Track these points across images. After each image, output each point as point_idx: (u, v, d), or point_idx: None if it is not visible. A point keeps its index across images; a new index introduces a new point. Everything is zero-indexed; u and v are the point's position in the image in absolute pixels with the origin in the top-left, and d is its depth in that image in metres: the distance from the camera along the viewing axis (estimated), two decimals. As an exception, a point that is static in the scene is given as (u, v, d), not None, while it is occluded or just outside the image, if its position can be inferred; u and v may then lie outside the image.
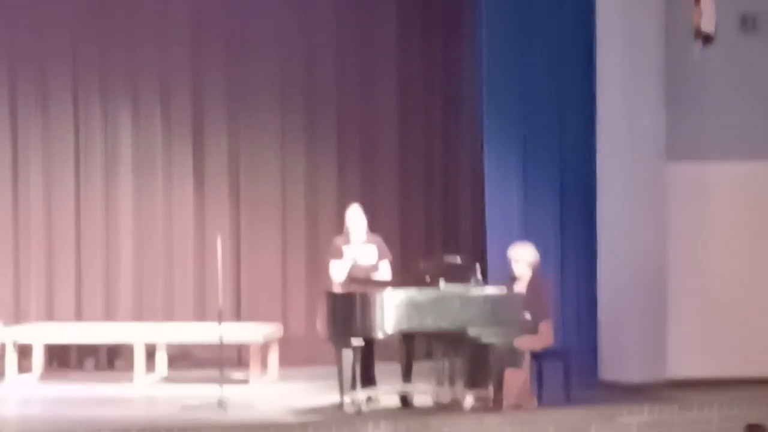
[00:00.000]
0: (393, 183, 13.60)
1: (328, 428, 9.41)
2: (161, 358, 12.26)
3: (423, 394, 10.36)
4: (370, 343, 10.10)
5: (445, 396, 10.23)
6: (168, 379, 12.10)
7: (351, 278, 10.47)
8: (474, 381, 10.08)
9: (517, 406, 9.97)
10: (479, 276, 10.14)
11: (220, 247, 10.93)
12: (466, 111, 13.53)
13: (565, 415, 9.89)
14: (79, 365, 12.93)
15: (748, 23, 11.67)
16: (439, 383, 10.31)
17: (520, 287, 10.34)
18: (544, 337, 10.27)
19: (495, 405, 9.86)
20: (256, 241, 13.36)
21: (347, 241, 10.63)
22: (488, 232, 12.00)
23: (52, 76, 13.16)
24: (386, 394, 10.34)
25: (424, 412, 10.05)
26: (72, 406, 10.59)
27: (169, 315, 13.11)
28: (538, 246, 10.61)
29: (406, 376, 10.36)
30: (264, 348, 12.05)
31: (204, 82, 13.38)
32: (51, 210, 13.17)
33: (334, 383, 10.08)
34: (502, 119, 11.97)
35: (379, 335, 9.77)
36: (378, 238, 10.75)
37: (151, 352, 12.07)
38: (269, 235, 13.38)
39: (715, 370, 11.39)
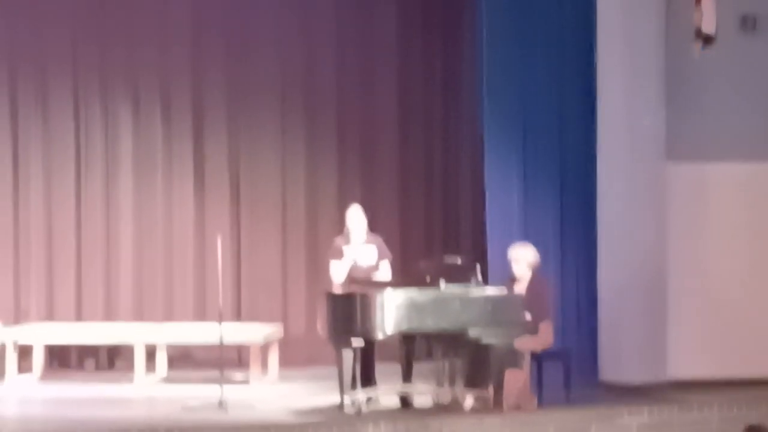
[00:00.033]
0: (393, 183, 13.60)
1: (328, 429, 9.42)
2: (161, 359, 12.26)
3: (423, 395, 10.36)
4: (370, 343, 10.09)
5: (445, 396, 10.23)
6: (168, 380, 12.10)
7: (351, 279, 10.47)
8: (474, 381, 10.09)
9: (517, 407, 9.97)
10: (479, 276, 10.14)
11: (220, 247, 10.93)
12: (467, 111, 13.52)
13: (565, 416, 9.89)
14: (80, 365, 12.93)
15: (748, 24, 11.67)
16: (439, 384, 10.31)
17: (520, 288, 10.34)
18: (544, 337, 10.28)
19: (495, 405, 9.86)
20: (256, 241, 13.36)
21: (347, 242, 10.63)
22: (488, 233, 12.00)
23: (52, 76, 13.16)
24: (386, 394, 10.35)
25: (424, 412, 10.05)
26: (72, 407, 10.59)
27: (169, 315, 13.11)
28: (538, 246, 10.61)
29: (406, 376, 10.36)
30: (264, 348, 12.05)
31: (204, 82, 13.37)
32: (51, 210, 13.16)
33: (335, 384, 10.08)
34: (502, 119, 11.97)
35: (379, 336, 9.77)
36: (378, 239, 10.75)
37: (151, 353, 12.07)
38: (269, 235, 13.38)
39: (715, 370, 11.39)
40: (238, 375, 11.84)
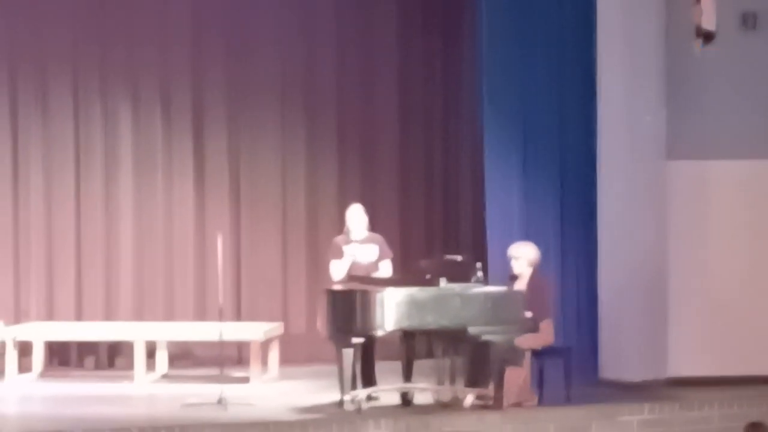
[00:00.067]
0: (393, 182, 13.61)
1: (329, 427, 9.41)
2: (161, 357, 12.27)
3: (423, 393, 10.35)
4: (370, 341, 10.09)
5: (446, 394, 10.22)
6: (168, 378, 12.10)
7: (351, 276, 10.47)
8: (474, 379, 10.08)
9: (518, 405, 9.97)
10: (480, 274, 10.13)
11: (220, 245, 10.94)
12: (467, 111, 13.54)
13: (565, 414, 9.90)
14: (80, 364, 12.93)
15: (748, 22, 11.67)
16: (440, 382, 10.30)
17: (521, 286, 10.33)
18: (545, 335, 10.27)
19: (495, 403, 9.84)
20: (256, 240, 13.37)
21: (348, 241, 10.63)
22: (488, 232, 12.00)
23: (52, 75, 13.17)
24: (387, 392, 10.33)
25: (425, 410, 10.04)
26: (72, 405, 10.59)
27: (169, 313, 13.12)
28: (539, 244, 10.60)
29: (407, 374, 10.35)
30: (264, 346, 12.05)
31: (204, 81, 13.38)
32: (51, 209, 13.17)
33: (335, 381, 10.07)
34: (502, 119, 11.97)
35: (380, 333, 9.76)
36: (379, 237, 10.75)
37: (151, 351, 12.09)
38: (269, 234, 13.39)
39: (716, 368, 11.38)
40: (238, 373, 11.83)
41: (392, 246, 10.96)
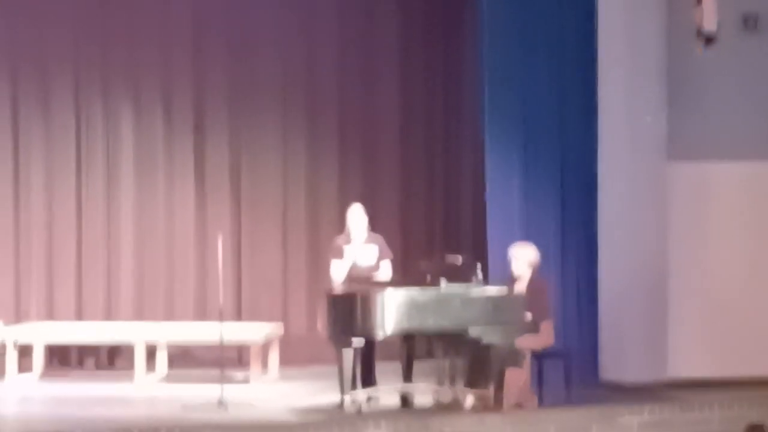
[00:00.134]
0: (394, 183, 13.61)
1: (329, 428, 9.40)
2: (162, 358, 12.25)
3: (424, 394, 10.35)
4: (370, 342, 10.08)
5: (446, 396, 10.21)
6: (168, 379, 12.09)
7: (351, 278, 10.46)
8: (475, 381, 10.07)
9: (518, 406, 9.97)
10: (480, 276, 10.13)
11: (221, 246, 10.93)
12: (468, 111, 13.52)
13: (565, 415, 9.88)
14: (80, 365, 12.94)
15: (749, 23, 11.67)
16: (440, 383, 10.29)
17: (521, 287, 10.33)
18: (545, 336, 10.27)
19: (496, 405, 9.85)
20: (257, 241, 13.37)
21: (348, 241, 10.63)
22: (489, 232, 11.97)
23: (53, 76, 13.17)
24: (387, 393, 10.34)
25: (425, 411, 10.04)
26: (72, 406, 10.58)
27: (169, 314, 13.11)
28: (539, 246, 10.61)
29: (407, 375, 10.36)
30: (265, 348, 12.05)
31: (205, 82, 13.38)
32: (52, 210, 13.17)
33: (335, 383, 10.07)
34: (503, 119, 11.95)
35: (380, 335, 9.76)
36: (380, 238, 10.75)
37: (151, 352, 12.06)
38: (270, 235, 13.39)
39: (716, 370, 11.38)
40: (238, 374, 11.84)
41: (392, 246, 10.96)
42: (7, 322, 12.31)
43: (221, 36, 13.38)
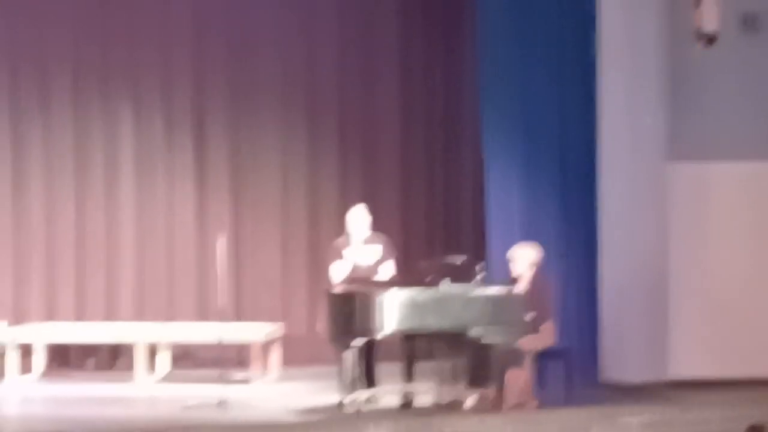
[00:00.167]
0: (394, 183, 13.60)
1: (329, 428, 9.43)
2: (162, 358, 12.27)
3: (424, 394, 10.35)
4: (371, 343, 10.09)
5: (447, 396, 10.21)
6: (169, 379, 12.10)
7: (352, 278, 10.45)
8: (475, 381, 10.08)
9: (519, 407, 9.97)
10: (480, 276, 10.13)
11: (221, 246, 10.93)
12: (468, 110, 13.51)
13: (566, 416, 9.90)
14: (81, 365, 12.92)
15: (749, 23, 11.67)
16: (441, 383, 10.29)
17: (522, 287, 10.33)
18: (546, 337, 10.27)
19: (496, 405, 9.86)
20: (257, 241, 13.36)
21: (348, 243, 10.62)
22: (489, 232, 11.97)
23: (53, 76, 13.17)
24: (387, 394, 10.34)
25: (426, 412, 10.04)
26: (73, 406, 10.60)
27: (170, 315, 13.11)
28: (540, 246, 10.60)
29: (408, 376, 10.35)
30: (265, 348, 12.05)
31: (205, 81, 13.38)
32: (52, 210, 13.17)
33: (335, 383, 10.09)
34: (503, 119, 11.95)
35: (380, 335, 9.77)
36: (383, 237, 10.75)
37: (152, 352, 12.07)
38: (270, 235, 13.38)
39: (717, 370, 11.39)
40: (238, 374, 11.83)
41: (393, 246, 10.95)
42: (8, 323, 12.31)
43: (221, 36, 13.38)
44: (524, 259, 10.42)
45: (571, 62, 11.93)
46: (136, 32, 13.22)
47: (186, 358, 12.83)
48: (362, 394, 9.97)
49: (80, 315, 13.07)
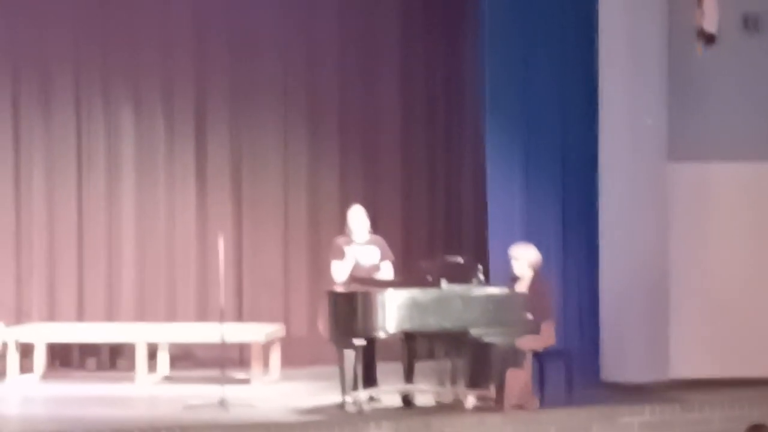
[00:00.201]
0: (395, 183, 13.60)
1: (330, 428, 9.42)
2: (163, 358, 12.26)
3: (425, 394, 10.35)
4: (371, 343, 10.09)
5: (447, 396, 10.22)
6: (170, 379, 12.10)
7: (353, 278, 10.46)
8: (476, 381, 10.08)
9: (519, 407, 9.97)
10: (481, 276, 10.13)
11: (222, 247, 10.94)
12: (469, 111, 13.53)
13: (566, 416, 9.90)
14: (81, 365, 12.91)
15: (750, 23, 11.68)
16: (441, 383, 10.30)
17: (522, 287, 10.33)
18: (546, 337, 10.27)
19: (496, 405, 9.86)
20: (258, 241, 13.36)
21: (349, 242, 10.63)
22: (490, 233, 11.99)
23: (54, 76, 13.16)
24: (388, 393, 10.34)
25: (426, 412, 10.05)
26: (74, 406, 10.59)
27: (171, 315, 13.11)
28: (540, 246, 10.61)
29: (408, 376, 10.35)
30: (266, 348, 12.05)
31: (206, 82, 13.37)
32: (53, 210, 13.16)
33: (336, 383, 10.08)
34: (504, 119, 11.96)
35: (381, 335, 9.78)
36: (380, 239, 10.75)
37: (152, 352, 12.08)
38: (271, 235, 13.38)
39: (718, 370, 11.38)
40: (239, 374, 11.82)
41: (394, 247, 10.97)
42: (9, 323, 12.31)
43: (222, 36, 13.38)
44: (525, 259, 10.42)
45: (572, 62, 11.95)
46: (136, 32, 13.21)
47: (186, 358, 12.83)
48: (363, 394, 9.97)
49: (81, 315, 13.07)
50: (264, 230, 13.38)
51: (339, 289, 10.35)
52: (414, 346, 10.39)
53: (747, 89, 11.66)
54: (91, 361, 12.91)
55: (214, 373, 11.28)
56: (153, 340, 12.04)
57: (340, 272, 10.51)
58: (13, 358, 11.86)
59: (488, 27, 11.97)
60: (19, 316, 12.87)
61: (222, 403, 10.14)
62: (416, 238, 13.37)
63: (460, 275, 10.12)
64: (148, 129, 13.30)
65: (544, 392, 10.37)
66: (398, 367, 10.40)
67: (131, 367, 11.87)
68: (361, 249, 10.59)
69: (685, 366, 11.40)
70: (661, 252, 11.50)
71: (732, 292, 11.64)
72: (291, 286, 13.34)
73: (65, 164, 13.18)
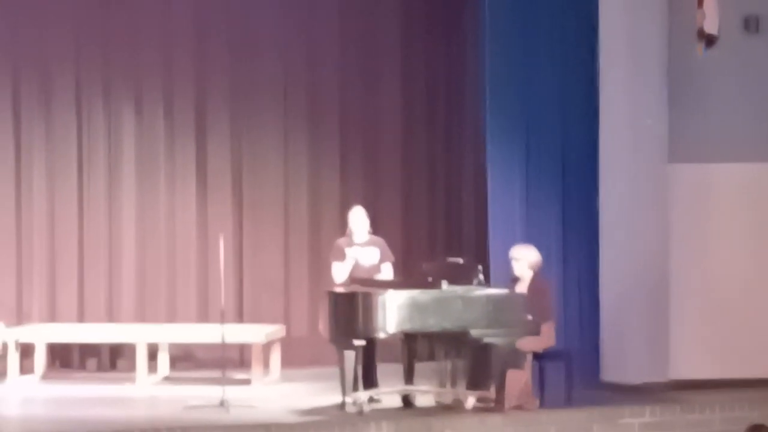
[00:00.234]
0: (396, 184, 13.60)
1: (330, 429, 9.43)
2: (163, 359, 12.26)
3: (425, 395, 10.36)
4: (372, 343, 10.09)
5: (447, 397, 10.23)
6: (170, 380, 12.10)
7: (353, 279, 10.47)
8: (476, 382, 10.09)
9: (519, 407, 9.98)
10: (481, 277, 10.13)
11: (222, 247, 10.94)
12: (469, 111, 13.53)
13: (566, 416, 9.90)
14: (82, 365, 12.92)
15: (750, 25, 11.68)
16: (441, 384, 10.31)
17: (522, 288, 10.33)
18: (546, 338, 10.27)
19: (497, 406, 9.86)
20: (258, 242, 13.36)
21: (350, 243, 10.63)
22: (490, 234, 11.98)
23: (55, 77, 13.15)
24: (388, 394, 10.34)
25: (426, 412, 10.05)
26: (74, 407, 10.59)
27: (171, 315, 13.11)
28: (541, 247, 10.62)
29: (408, 376, 10.36)
30: (266, 348, 12.05)
31: (207, 82, 13.36)
32: (54, 211, 13.16)
33: (336, 384, 10.08)
34: (504, 120, 11.95)
35: (381, 336, 9.78)
36: (381, 241, 10.75)
37: (153, 353, 12.08)
38: (272, 236, 13.38)
39: (718, 371, 11.39)
40: (240, 375, 11.82)
41: (394, 248, 10.97)
42: (9, 324, 12.31)
43: (222, 36, 13.37)
44: (525, 260, 10.42)
45: (572, 63, 11.94)
46: (137, 33, 13.21)
47: (187, 359, 12.84)
48: (363, 395, 9.97)
49: (81, 316, 13.07)
50: (264, 230, 13.38)
51: (339, 289, 10.35)
52: (414, 347, 10.40)
53: (747, 90, 11.66)
54: (92, 362, 12.92)
55: (214, 373, 11.29)
56: (153, 340, 12.05)
57: (340, 273, 10.52)
58: (13, 359, 11.86)
59: (488, 27, 11.96)
60: (20, 317, 12.87)
61: (222, 404, 10.14)
62: (416, 239, 13.37)
63: (461, 276, 10.12)
64: (148, 129, 13.30)
65: (544, 393, 10.37)
66: (398, 368, 10.40)
67: (132, 367, 11.87)
68: (361, 250, 10.60)
69: (685, 367, 11.40)
70: (661, 253, 11.50)
71: (732, 293, 11.64)
72: (291, 286, 13.35)
73: (66, 164, 13.18)
